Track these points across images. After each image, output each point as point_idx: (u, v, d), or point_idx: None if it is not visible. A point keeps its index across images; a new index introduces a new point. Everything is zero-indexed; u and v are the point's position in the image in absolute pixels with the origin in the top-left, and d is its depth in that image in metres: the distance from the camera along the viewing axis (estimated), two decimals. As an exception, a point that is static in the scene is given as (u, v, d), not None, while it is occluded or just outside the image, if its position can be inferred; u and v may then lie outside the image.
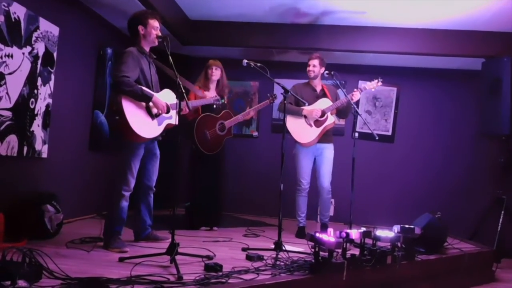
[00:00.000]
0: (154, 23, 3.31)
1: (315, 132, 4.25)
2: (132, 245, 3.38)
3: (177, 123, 3.35)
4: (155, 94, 3.28)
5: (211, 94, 4.32)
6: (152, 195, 3.57)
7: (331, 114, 4.30)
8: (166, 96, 3.38)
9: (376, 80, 4.24)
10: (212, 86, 4.43)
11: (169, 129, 3.45)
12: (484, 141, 5.26)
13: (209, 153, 4.36)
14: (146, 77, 3.31)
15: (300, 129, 4.26)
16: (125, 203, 3.28)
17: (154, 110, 3.26)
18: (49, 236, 3.47)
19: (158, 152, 3.54)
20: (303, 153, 4.33)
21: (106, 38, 4.86)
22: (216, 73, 4.39)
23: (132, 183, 3.29)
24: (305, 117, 4.26)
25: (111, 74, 4.60)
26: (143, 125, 3.21)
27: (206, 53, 5.81)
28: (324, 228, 4.24)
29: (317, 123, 4.25)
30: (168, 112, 3.35)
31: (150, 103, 3.23)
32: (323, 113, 4.24)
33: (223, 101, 4.29)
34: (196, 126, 4.29)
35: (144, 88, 3.21)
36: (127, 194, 3.28)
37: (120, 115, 3.12)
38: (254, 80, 6.01)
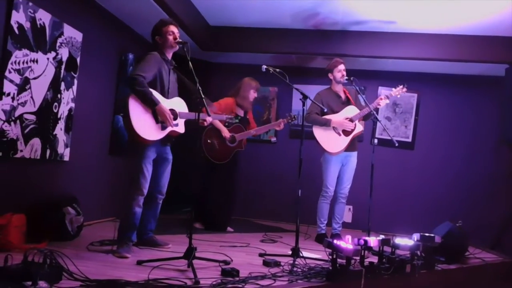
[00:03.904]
0: (168, 29, 3.35)
1: (344, 141, 4.22)
2: (150, 249, 3.42)
3: (183, 131, 3.38)
4: (162, 101, 3.23)
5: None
6: (160, 202, 3.52)
7: (358, 121, 4.29)
8: (177, 105, 3.37)
9: (401, 86, 4.22)
10: (246, 104, 4.67)
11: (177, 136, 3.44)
12: (506, 149, 5.15)
13: (217, 162, 4.54)
14: (164, 82, 3.32)
15: (330, 139, 4.23)
16: (137, 209, 3.23)
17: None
18: (70, 238, 3.52)
19: (170, 157, 3.51)
20: (332, 161, 4.28)
21: (127, 44, 4.94)
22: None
23: (145, 186, 3.24)
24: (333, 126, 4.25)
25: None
26: (145, 126, 3.17)
27: (226, 59, 5.86)
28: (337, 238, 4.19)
29: (346, 132, 4.24)
30: (174, 119, 3.31)
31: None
32: (351, 121, 4.23)
33: (237, 121, 4.44)
34: (204, 135, 4.47)
35: (154, 93, 3.19)
36: (140, 198, 3.23)
37: (126, 113, 3.15)
38: (273, 86, 6.02)
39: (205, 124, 3.43)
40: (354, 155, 4.36)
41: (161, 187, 3.49)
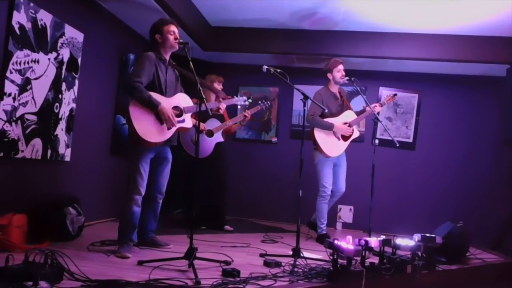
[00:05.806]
0: (169, 28, 3.34)
1: (343, 145, 4.34)
2: (151, 249, 3.42)
3: (191, 125, 3.40)
4: (164, 100, 3.22)
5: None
6: (160, 201, 3.52)
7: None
8: (180, 100, 3.36)
9: (391, 95, 4.44)
10: (213, 97, 4.65)
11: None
12: (507, 149, 5.15)
13: (198, 157, 4.49)
14: (161, 82, 3.31)
15: (330, 143, 4.29)
16: (136, 208, 3.23)
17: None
18: (71, 238, 3.53)
19: (170, 156, 3.50)
20: (326, 161, 4.33)
21: (128, 44, 4.94)
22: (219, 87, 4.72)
23: (143, 186, 3.23)
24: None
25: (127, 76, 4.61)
26: (151, 129, 3.17)
27: (227, 59, 5.86)
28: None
29: (344, 137, 4.34)
30: (180, 115, 3.32)
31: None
32: (349, 127, 4.33)
33: (250, 101, 4.32)
34: (180, 132, 4.34)
35: (153, 95, 3.17)
36: (137, 198, 3.21)
37: (128, 121, 3.16)
38: (273, 86, 6.03)
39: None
40: (344, 154, 4.45)
41: (160, 187, 3.48)
